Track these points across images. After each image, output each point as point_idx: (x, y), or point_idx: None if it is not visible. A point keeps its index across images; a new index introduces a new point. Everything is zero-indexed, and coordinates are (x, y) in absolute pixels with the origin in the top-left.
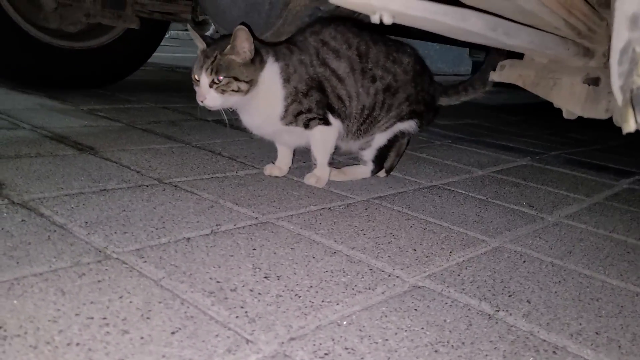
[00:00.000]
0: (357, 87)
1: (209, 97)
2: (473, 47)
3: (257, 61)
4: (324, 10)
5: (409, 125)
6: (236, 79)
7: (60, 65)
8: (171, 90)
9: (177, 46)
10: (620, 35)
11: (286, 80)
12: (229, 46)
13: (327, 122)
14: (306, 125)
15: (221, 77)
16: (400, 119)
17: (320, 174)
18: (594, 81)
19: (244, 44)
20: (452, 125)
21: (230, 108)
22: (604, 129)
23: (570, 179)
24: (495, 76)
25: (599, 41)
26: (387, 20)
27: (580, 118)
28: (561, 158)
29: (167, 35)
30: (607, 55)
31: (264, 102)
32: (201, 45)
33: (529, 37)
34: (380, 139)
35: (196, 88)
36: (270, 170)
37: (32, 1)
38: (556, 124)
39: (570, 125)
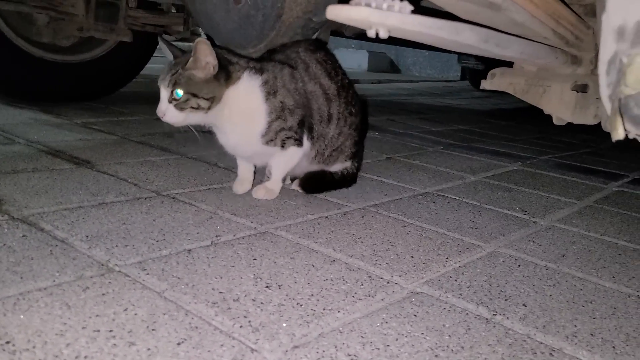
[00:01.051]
0: (340, 110)
1: (168, 113)
2: (462, 54)
3: (221, 77)
4: (316, 21)
5: (350, 166)
6: (194, 95)
7: (54, 79)
8: None
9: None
10: (608, 47)
11: (270, 94)
12: (190, 59)
13: (300, 144)
14: (282, 145)
15: (180, 92)
16: (352, 156)
17: (273, 186)
18: (582, 88)
19: (205, 58)
20: (443, 132)
21: (202, 125)
22: (593, 133)
23: (561, 182)
24: (486, 84)
25: (586, 49)
26: (383, 35)
27: (569, 122)
28: (551, 162)
29: (157, 47)
30: (594, 62)
31: (241, 119)
32: (169, 57)
33: (519, 47)
34: (334, 168)
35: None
36: (241, 186)
37: (25, 16)
38: (545, 128)
39: (559, 129)
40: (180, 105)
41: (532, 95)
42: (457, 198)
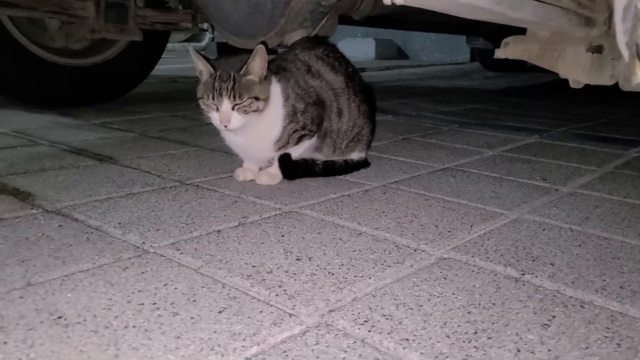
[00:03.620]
0: (350, 103)
1: (234, 120)
2: (469, 34)
3: (268, 75)
4: (325, 5)
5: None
6: (257, 98)
7: (68, 82)
8: (177, 99)
9: (175, 58)
10: None
11: (285, 99)
12: (245, 67)
13: (312, 135)
14: (297, 143)
15: (244, 97)
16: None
17: (276, 171)
18: (597, 49)
19: (261, 64)
20: (456, 112)
21: None
22: (608, 105)
23: (579, 152)
24: (500, 53)
25: (598, 10)
26: (399, 2)
27: (584, 95)
28: (569, 133)
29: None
30: (607, 23)
31: (264, 122)
32: (207, 69)
33: (532, 9)
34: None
35: (213, 114)
36: (243, 174)
37: (37, 22)
38: (560, 103)
39: (574, 103)
40: (244, 108)
41: (547, 60)
42: (477, 172)
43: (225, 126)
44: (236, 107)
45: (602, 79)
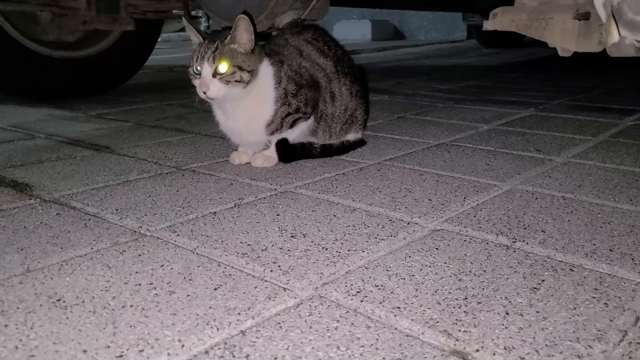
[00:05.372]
0: (341, 87)
1: (213, 87)
2: (465, 10)
3: (256, 51)
4: None
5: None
6: (240, 68)
7: (63, 75)
8: (173, 88)
9: (171, 48)
10: None
11: (278, 82)
12: (229, 36)
13: (308, 117)
14: (291, 126)
15: (225, 66)
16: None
17: (272, 154)
18: (584, 16)
19: (245, 34)
20: (453, 89)
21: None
22: (605, 76)
23: (574, 123)
24: (489, 24)
25: None
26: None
27: (580, 69)
28: (564, 105)
29: (159, 39)
30: None
31: (255, 102)
32: (198, 39)
33: None
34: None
35: (196, 81)
36: (238, 157)
37: (29, 16)
38: (556, 77)
39: (569, 76)
40: (225, 78)
41: (535, 30)
42: (471, 146)
43: (205, 93)
44: (217, 76)
45: (590, 45)
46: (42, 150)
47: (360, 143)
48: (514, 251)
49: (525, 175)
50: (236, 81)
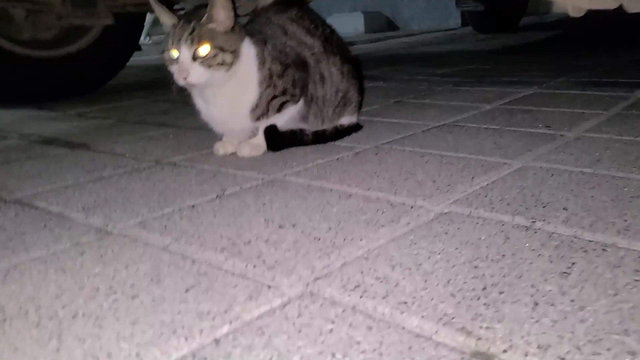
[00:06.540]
0: (330, 67)
1: (194, 72)
2: None
3: (236, 29)
4: None
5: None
6: (221, 49)
7: (43, 76)
8: (160, 86)
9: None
10: None
11: (261, 63)
12: (205, 15)
13: (296, 101)
14: (279, 110)
15: (206, 47)
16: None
17: (260, 141)
18: None
19: (223, 11)
20: (450, 72)
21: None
22: (605, 55)
23: (583, 98)
24: None
25: None
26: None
27: (579, 49)
28: (569, 82)
29: (149, 42)
30: None
31: (237, 86)
32: (170, 20)
33: None
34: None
35: (173, 67)
36: (222, 148)
37: (1, 14)
38: (557, 57)
39: (572, 54)
40: (207, 61)
41: None
42: (475, 125)
43: (185, 78)
44: (198, 60)
45: (605, 2)
46: (12, 151)
47: (355, 127)
48: (535, 232)
49: (537, 152)
50: (218, 64)
